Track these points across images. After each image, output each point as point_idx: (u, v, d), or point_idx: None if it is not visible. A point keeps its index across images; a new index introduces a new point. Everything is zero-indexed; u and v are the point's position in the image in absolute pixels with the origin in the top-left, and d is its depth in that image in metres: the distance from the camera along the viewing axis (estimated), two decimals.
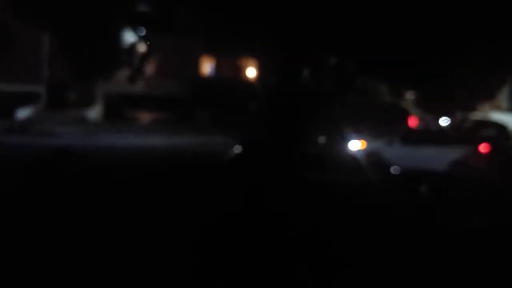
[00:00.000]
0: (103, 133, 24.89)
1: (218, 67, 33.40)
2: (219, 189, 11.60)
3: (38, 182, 12.05)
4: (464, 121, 26.31)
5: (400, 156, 16.14)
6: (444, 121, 26.70)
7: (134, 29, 21.34)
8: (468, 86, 21.19)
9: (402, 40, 14.43)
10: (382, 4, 13.91)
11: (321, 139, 17.11)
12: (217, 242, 8.41)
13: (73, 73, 28.13)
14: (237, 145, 14.40)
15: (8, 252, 7.90)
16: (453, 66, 15.89)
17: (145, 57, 24.55)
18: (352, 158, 15.66)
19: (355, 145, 17.18)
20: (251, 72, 30.46)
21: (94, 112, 29.51)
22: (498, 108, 30.59)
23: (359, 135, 17.55)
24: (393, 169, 14.73)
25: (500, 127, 24.17)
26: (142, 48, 25.35)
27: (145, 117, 30.41)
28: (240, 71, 31.64)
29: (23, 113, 27.90)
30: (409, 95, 29.53)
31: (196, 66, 32.90)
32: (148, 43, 23.31)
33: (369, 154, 16.78)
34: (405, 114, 26.82)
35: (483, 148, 17.06)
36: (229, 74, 31.94)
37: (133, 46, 24.20)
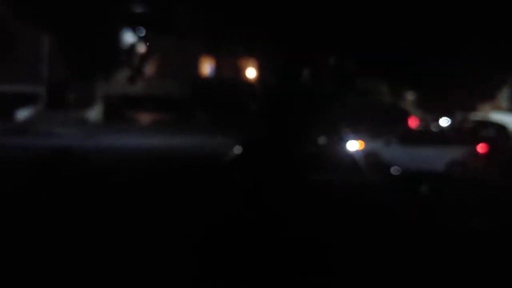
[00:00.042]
0: (103, 134, 24.87)
1: (218, 68, 33.38)
2: (220, 189, 11.58)
3: (37, 183, 12.02)
4: (464, 121, 26.32)
5: (398, 156, 16.15)
6: (444, 122, 26.69)
7: (134, 29, 21.32)
8: (468, 86, 21.20)
9: (402, 40, 14.41)
10: (382, 4, 13.89)
11: (322, 140, 17.12)
12: (218, 242, 8.40)
13: (73, 73, 28.13)
14: (237, 146, 14.38)
15: (8, 253, 7.88)
16: (453, 66, 15.88)
17: (144, 57, 24.51)
18: (352, 159, 15.67)
19: (353, 146, 17.19)
20: (251, 73, 30.45)
21: (94, 113, 29.49)
22: (499, 108, 30.58)
23: (357, 135, 17.56)
24: (394, 170, 14.72)
25: (501, 128, 24.17)
26: (141, 48, 25.33)
27: (145, 117, 30.38)
28: (240, 71, 31.63)
29: (23, 114, 27.88)
30: (409, 96, 29.53)
31: (196, 66, 32.89)
32: (148, 43, 23.28)
33: (367, 154, 16.78)
34: (405, 115, 26.83)
35: (481, 148, 17.07)
36: (229, 74, 31.93)
37: (132, 47, 24.16)
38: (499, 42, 15.07)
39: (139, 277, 7.25)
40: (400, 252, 8.60)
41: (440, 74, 16.49)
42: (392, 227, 9.97)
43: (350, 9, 13.68)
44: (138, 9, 19.63)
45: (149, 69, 31.16)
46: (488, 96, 28.07)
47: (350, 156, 16.04)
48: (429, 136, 19.09)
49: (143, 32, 22.21)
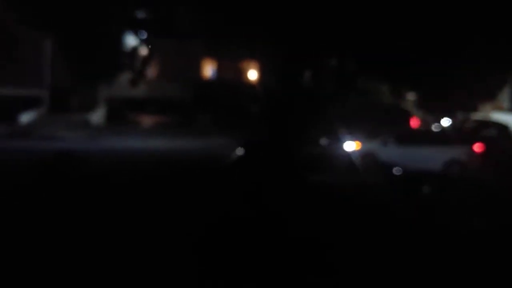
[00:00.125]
0: (106, 137, 24.90)
1: (219, 70, 33.42)
2: (221, 190, 11.60)
3: (40, 186, 12.07)
4: (465, 121, 26.30)
5: (395, 156, 16.14)
6: (445, 122, 26.69)
7: (136, 33, 21.40)
8: (468, 86, 21.24)
9: (402, 40, 14.46)
10: (382, 5, 13.94)
11: (323, 141, 17.14)
12: (219, 242, 8.43)
13: (75, 77, 28.23)
14: (239, 147, 14.39)
15: (11, 255, 7.93)
16: (453, 67, 15.93)
17: (146, 60, 24.60)
18: (352, 159, 15.69)
19: (350, 146, 17.21)
20: (252, 75, 30.50)
21: (97, 116, 29.55)
22: (499, 108, 30.55)
23: (354, 136, 17.56)
24: (395, 170, 14.72)
25: (502, 127, 24.15)
26: (143, 51, 25.35)
27: (147, 120, 30.42)
28: (241, 73, 31.69)
29: (26, 117, 27.95)
30: (410, 96, 29.54)
31: (197, 69, 32.93)
32: (150, 46, 23.36)
33: (364, 155, 16.79)
34: (407, 115, 26.83)
35: (478, 147, 17.07)
36: (230, 76, 31.97)
37: (134, 50, 24.22)
38: (499, 42, 15.11)
39: (140, 277, 7.29)
40: (400, 252, 8.61)
41: (441, 74, 16.55)
42: (393, 227, 9.97)
43: (350, 10, 13.72)
44: (140, 13, 19.72)
45: (151, 72, 31.24)
46: (489, 96, 28.08)
47: (350, 157, 16.05)
48: (425, 136, 19.08)
49: (144, 35, 22.28)
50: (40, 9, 16.60)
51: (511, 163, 17.75)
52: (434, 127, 24.50)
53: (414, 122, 25.85)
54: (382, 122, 20.65)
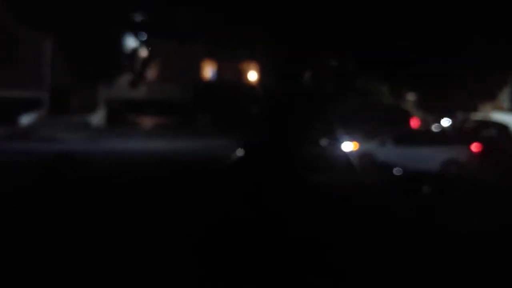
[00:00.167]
0: (106, 138, 24.91)
1: (219, 71, 33.43)
2: (222, 192, 11.60)
3: (40, 188, 12.07)
4: (465, 121, 26.32)
5: (392, 157, 16.13)
6: (446, 122, 26.72)
7: (136, 34, 21.37)
8: (468, 86, 21.23)
9: (402, 40, 14.44)
10: (382, 5, 13.93)
11: (323, 141, 17.13)
12: (220, 245, 8.42)
13: (75, 78, 28.22)
14: (239, 148, 14.39)
15: (11, 257, 7.93)
16: (453, 67, 15.91)
17: (146, 62, 24.57)
18: (352, 160, 15.68)
19: (348, 146, 17.21)
20: (252, 76, 30.50)
21: (97, 118, 29.56)
22: (500, 108, 30.56)
23: (352, 136, 17.56)
24: (396, 171, 14.73)
25: (502, 127, 24.17)
26: (143, 53, 25.38)
27: (147, 121, 30.43)
28: (242, 74, 31.68)
29: (26, 119, 27.95)
30: (410, 96, 29.56)
31: (197, 70, 32.94)
32: (150, 48, 23.33)
33: (361, 155, 16.79)
34: (407, 115, 26.82)
35: (475, 147, 17.07)
36: (231, 77, 31.97)
37: (134, 51, 24.21)
38: (499, 42, 15.09)
39: (141, 278, 7.29)
40: (400, 252, 8.61)
41: (441, 75, 16.53)
42: (392, 227, 9.97)
43: (350, 9, 13.71)
44: (140, 14, 19.68)
45: (151, 73, 31.25)
46: (489, 96, 28.09)
47: (349, 157, 16.06)
48: (423, 136, 19.08)
49: (144, 37, 22.27)
50: (40, 9, 16.57)
51: (511, 163, 17.76)
52: (434, 127, 24.51)
53: (414, 123, 25.85)
54: (382, 123, 20.65)
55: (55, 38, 25.71)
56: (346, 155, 16.58)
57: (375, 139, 17.59)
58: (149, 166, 17.09)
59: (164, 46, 27.48)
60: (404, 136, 18.13)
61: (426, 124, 25.69)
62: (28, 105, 28.30)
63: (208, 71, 33.63)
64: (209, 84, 32.87)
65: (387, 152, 16.77)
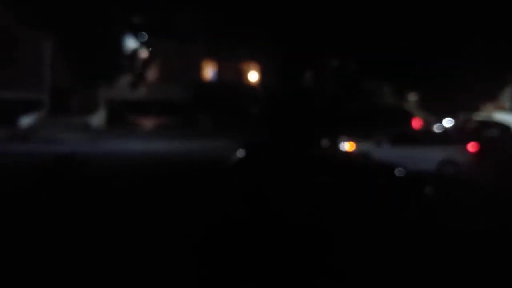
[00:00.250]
0: (106, 139, 24.89)
1: (219, 71, 33.40)
2: (222, 193, 11.58)
3: (40, 189, 12.06)
4: (467, 121, 26.26)
5: (389, 157, 16.06)
6: (447, 122, 26.67)
7: (136, 35, 21.38)
8: (470, 86, 21.19)
9: (403, 41, 14.42)
10: (384, 6, 13.91)
11: (324, 142, 17.10)
12: (220, 245, 8.40)
13: (75, 78, 28.19)
14: (240, 149, 14.36)
15: (11, 257, 7.90)
16: (455, 67, 15.89)
17: (147, 62, 24.56)
18: (352, 160, 15.62)
19: (345, 146, 17.18)
20: (252, 76, 30.45)
21: (97, 118, 29.54)
22: (501, 108, 30.52)
23: (349, 136, 17.52)
24: (398, 171, 14.64)
25: (504, 127, 24.13)
26: (144, 54, 25.29)
27: (148, 122, 30.41)
28: (242, 75, 31.64)
29: (26, 121, 27.92)
30: (412, 97, 29.50)
31: (197, 70, 32.92)
32: (150, 49, 23.35)
33: (362, 155, 16.74)
34: (409, 116, 26.78)
35: (472, 147, 17.03)
36: (231, 78, 31.95)
37: (135, 52, 24.18)
38: (500, 43, 15.07)
39: (141, 278, 7.27)
40: (402, 252, 8.59)
41: (442, 75, 16.49)
42: (393, 227, 9.96)
43: (352, 10, 13.70)
44: (140, 15, 19.69)
45: (151, 74, 31.22)
46: (491, 96, 28.04)
47: (350, 157, 16.01)
48: (420, 136, 19.04)
49: (145, 37, 22.25)
50: (40, 9, 16.57)
51: (511, 163, 17.74)
52: (436, 128, 24.45)
53: (416, 123, 25.80)
54: (384, 123, 20.60)
55: (55, 38, 25.70)
56: (347, 155, 16.54)
57: (372, 140, 17.57)
58: (149, 167, 17.07)
59: (164, 47, 27.48)
60: (401, 136, 18.08)
61: (428, 125, 25.63)
62: (28, 106, 28.26)
63: (208, 71, 33.60)
64: (209, 84, 32.85)
65: (384, 152, 16.72)
